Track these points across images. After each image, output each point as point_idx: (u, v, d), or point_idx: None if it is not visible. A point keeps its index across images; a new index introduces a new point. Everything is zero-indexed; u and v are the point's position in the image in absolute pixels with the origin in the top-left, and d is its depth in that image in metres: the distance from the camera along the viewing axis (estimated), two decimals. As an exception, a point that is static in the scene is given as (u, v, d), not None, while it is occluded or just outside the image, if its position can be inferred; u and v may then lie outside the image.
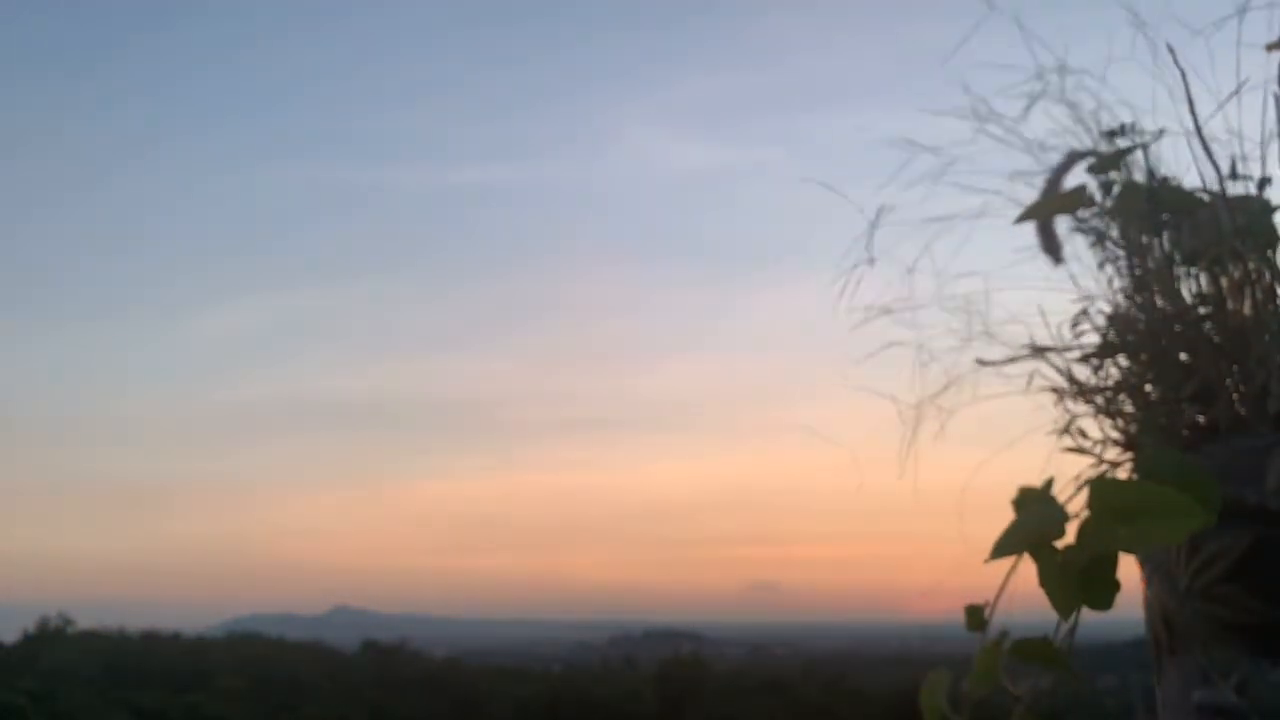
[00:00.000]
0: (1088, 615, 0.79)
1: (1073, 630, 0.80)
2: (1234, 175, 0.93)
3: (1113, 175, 0.98)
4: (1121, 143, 0.98)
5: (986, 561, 0.82)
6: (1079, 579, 0.78)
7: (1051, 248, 0.99)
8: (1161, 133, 0.96)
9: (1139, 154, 0.97)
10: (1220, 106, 0.93)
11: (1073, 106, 1.01)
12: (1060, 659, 0.80)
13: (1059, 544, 0.80)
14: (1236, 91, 0.92)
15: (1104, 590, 0.78)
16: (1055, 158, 1.00)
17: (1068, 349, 1.00)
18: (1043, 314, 1.00)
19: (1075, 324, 1.00)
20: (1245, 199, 0.94)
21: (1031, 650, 0.81)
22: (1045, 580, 0.79)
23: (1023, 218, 0.98)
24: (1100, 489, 0.80)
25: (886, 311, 1.05)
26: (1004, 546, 0.81)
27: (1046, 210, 0.98)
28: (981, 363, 1.02)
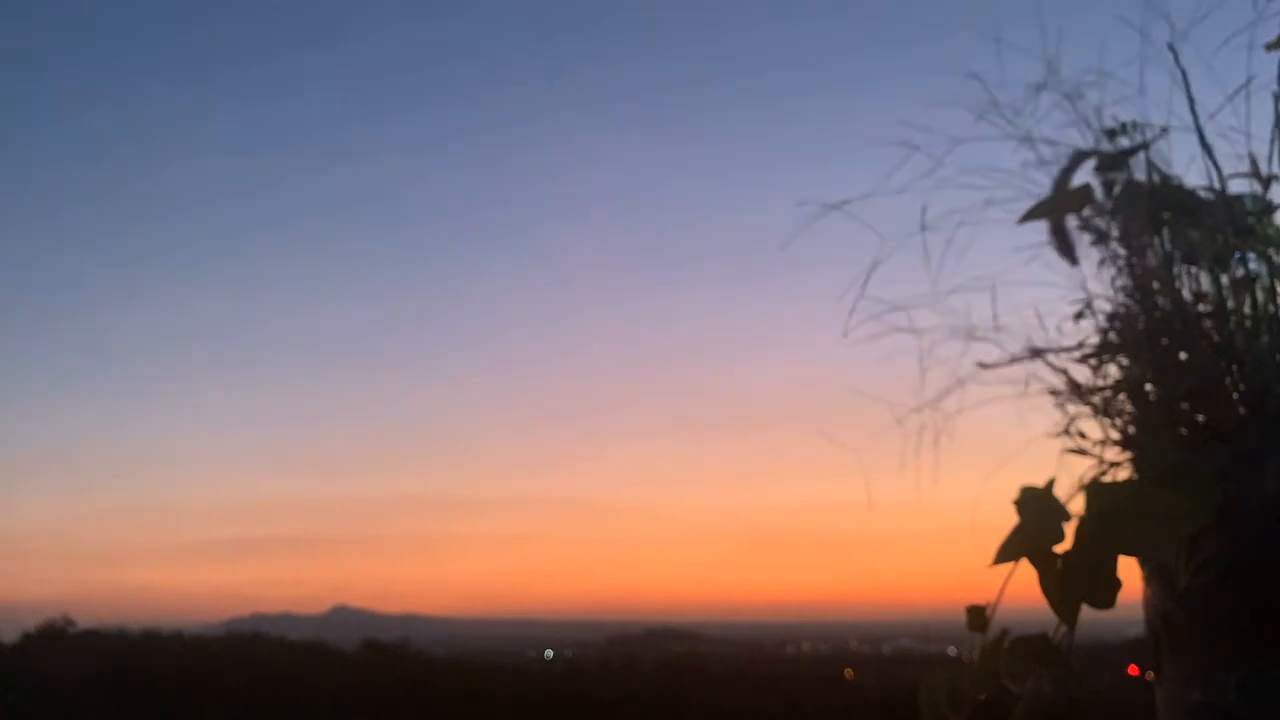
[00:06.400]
0: (1087, 614, 0.80)
1: (1072, 630, 0.80)
2: (1237, 174, 0.93)
3: (1115, 174, 0.98)
4: (1124, 142, 0.98)
5: (990, 566, 0.82)
6: (1080, 577, 0.78)
7: (1065, 248, 0.98)
8: (1164, 131, 0.96)
9: (1141, 152, 0.97)
10: (1220, 108, 0.93)
11: (1075, 104, 1.01)
12: (1059, 657, 0.80)
13: (1059, 548, 0.80)
14: (1239, 91, 0.92)
15: (1105, 589, 0.78)
16: (1057, 155, 1.00)
17: (1068, 349, 0.99)
18: (1039, 316, 1.00)
19: (1075, 323, 1.00)
20: (1246, 198, 0.94)
21: (1031, 649, 0.81)
22: (1046, 586, 0.79)
23: (1027, 217, 0.98)
24: (1095, 492, 0.80)
25: (886, 313, 1.05)
26: (1006, 551, 0.81)
27: (1051, 209, 0.98)
28: (984, 365, 1.02)
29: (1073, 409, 0.98)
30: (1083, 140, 1.00)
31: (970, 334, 1.03)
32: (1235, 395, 0.89)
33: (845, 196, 1.02)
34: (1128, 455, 0.95)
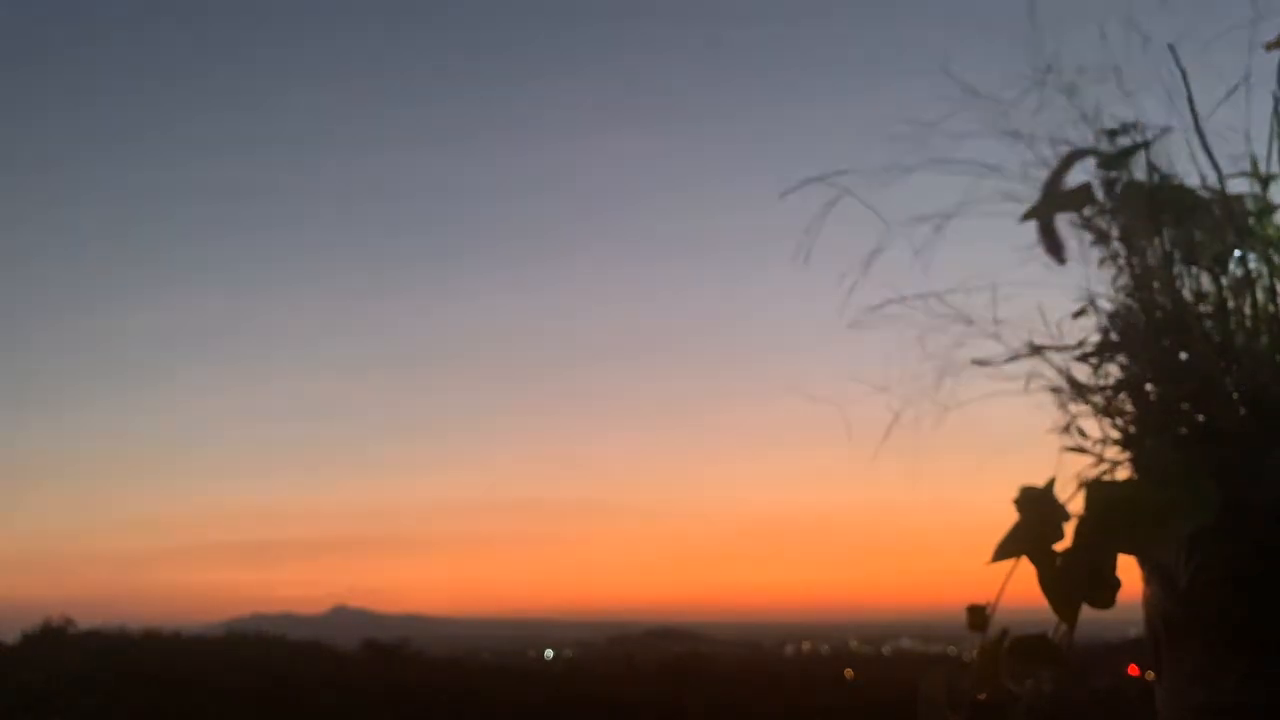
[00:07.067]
0: (1087, 614, 0.80)
1: (1072, 629, 0.80)
2: (1236, 174, 0.93)
3: (1115, 173, 0.98)
4: (1123, 141, 0.98)
5: (988, 564, 0.82)
6: (1079, 576, 0.78)
7: (1054, 247, 0.99)
8: (1164, 131, 0.96)
9: (1141, 152, 0.97)
10: (1219, 105, 0.93)
11: (1074, 100, 1.01)
12: (1059, 657, 0.80)
13: (1059, 547, 0.80)
14: (1234, 90, 0.92)
15: (1105, 589, 0.78)
16: (1056, 153, 1.00)
17: (1068, 348, 0.99)
18: (1041, 312, 1.00)
19: (1075, 321, 1.00)
20: (1246, 198, 0.94)
21: (1031, 649, 0.81)
22: (1046, 586, 0.79)
23: (1028, 215, 0.98)
24: (1096, 491, 0.80)
25: (883, 308, 1.05)
26: (1006, 550, 0.81)
27: (1052, 208, 0.98)
28: (979, 362, 1.02)
29: (1073, 407, 0.98)
30: (1081, 139, 1.00)
31: (970, 330, 1.03)
32: (1235, 395, 0.89)
33: (844, 189, 1.02)
34: (1128, 455, 0.95)
